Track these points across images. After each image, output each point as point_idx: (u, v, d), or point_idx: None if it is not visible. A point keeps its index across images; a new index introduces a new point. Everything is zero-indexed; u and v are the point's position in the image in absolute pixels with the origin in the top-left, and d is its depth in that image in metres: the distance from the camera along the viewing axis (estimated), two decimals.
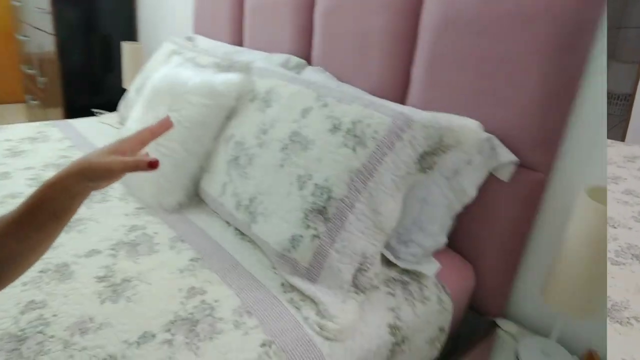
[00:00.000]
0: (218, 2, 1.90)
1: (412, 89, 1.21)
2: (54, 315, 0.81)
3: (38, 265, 0.95)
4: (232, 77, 1.24)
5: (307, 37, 1.52)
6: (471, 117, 1.06)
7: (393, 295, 0.97)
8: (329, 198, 0.91)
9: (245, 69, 1.35)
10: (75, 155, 1.57)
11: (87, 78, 2.74)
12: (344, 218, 0.90)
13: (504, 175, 1.05)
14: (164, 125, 0.63)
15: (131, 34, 2.81)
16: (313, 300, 0.89)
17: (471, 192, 1.05)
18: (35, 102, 3.22)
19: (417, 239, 1.05)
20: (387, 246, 1.05)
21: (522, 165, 1.04)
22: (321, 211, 0.91)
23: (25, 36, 3.07)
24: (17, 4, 3.04)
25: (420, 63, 1.17)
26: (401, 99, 1.25)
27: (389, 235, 0.96)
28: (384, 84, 1.27)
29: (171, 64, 1.46)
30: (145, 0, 2.71)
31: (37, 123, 1.88)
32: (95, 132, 1.83)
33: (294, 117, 1.05)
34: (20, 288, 0.87)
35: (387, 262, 1.05)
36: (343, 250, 0.89)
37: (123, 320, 0.81)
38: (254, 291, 0.92)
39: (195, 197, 1.28)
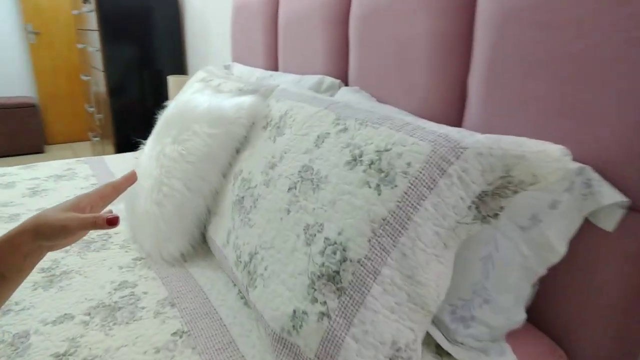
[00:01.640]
0: (251, 28, 1.74)
1: (469, 106, 0.92)
2: None
3: None
4: (243, 100, 1.03)
5: (342, 53, 1.29)
6: (553, 140, 0.75)
7: None
8: (344, 259, 0.64)
9: (269, 93, 1.14)
10: None
11: (139, 113, 2.72)
12: (364, 289, 0.62)
13: (608, 222, 0.72)
14: (128, 181, 0.63)
15: (181, 68, 2.78)
16: None
17: (559, 248, 0.73)
18: (96, 138, 3.28)
19: (480, 315, 0.74)
20: (437, 322, 0.76)
21: (633, 209, 0.70)
22: (333, 278, 0.64)
23: (86, 76, 3.16)
24: (81, 46, 3.15)
25: (478, 72, 0.88)
26: (456, 119, 0.97)
27: (434, 313, 0.66)
28: (433, 101, 0.98)
29: (189, 91, 1.29)
30: (192, 34, 2.66)
31: (70, 160, 1.81)
32: (126, 168, 1.71)
33: (306, 147, 0.80)
34: None
35: (436, 347, 0.75)
36: (364, 337, 0.61)
37: None
38: None
39: (203, 246, 1.07)
